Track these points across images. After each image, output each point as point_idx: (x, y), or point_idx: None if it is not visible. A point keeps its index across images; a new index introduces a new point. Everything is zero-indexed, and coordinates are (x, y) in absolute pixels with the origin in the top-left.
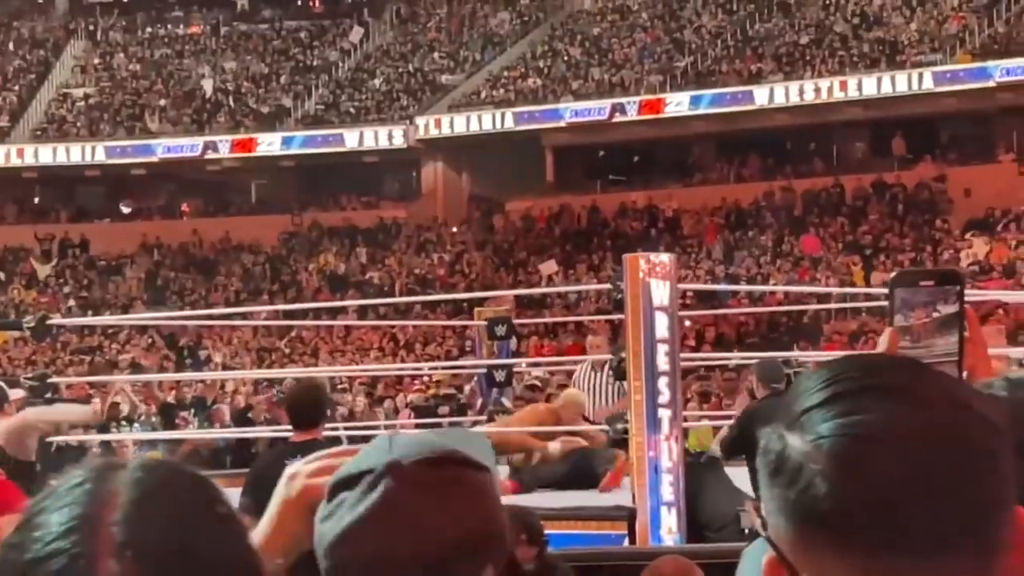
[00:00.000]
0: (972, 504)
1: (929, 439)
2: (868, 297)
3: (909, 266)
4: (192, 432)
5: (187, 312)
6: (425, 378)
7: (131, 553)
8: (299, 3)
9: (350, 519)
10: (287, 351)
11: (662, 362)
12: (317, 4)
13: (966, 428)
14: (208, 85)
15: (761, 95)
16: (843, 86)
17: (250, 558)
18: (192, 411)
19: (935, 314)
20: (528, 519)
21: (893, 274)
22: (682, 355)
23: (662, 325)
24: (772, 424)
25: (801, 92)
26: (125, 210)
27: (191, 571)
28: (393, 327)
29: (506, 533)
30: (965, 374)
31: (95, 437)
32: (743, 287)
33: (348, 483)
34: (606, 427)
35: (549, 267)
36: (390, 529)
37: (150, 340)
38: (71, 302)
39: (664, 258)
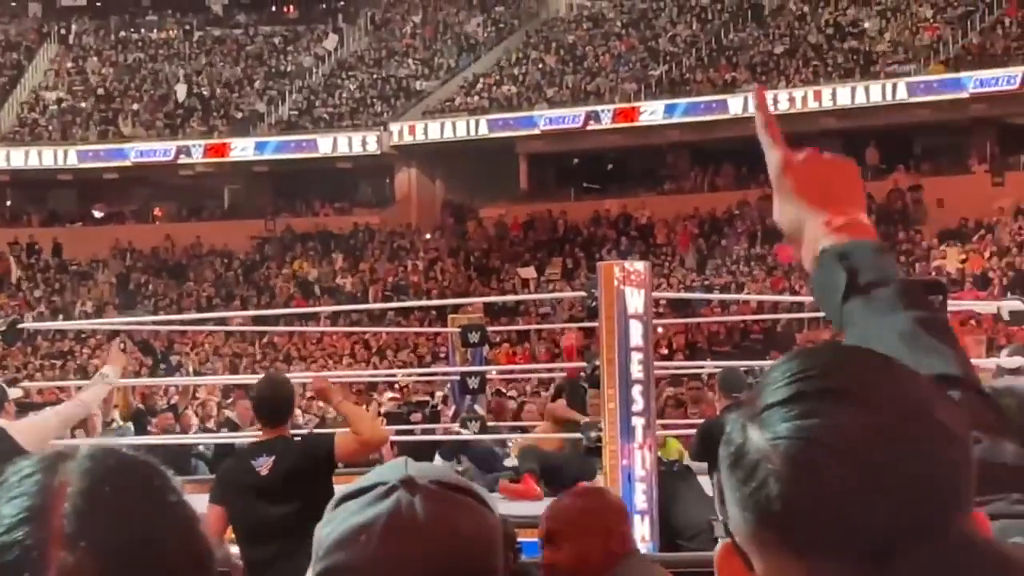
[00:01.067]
0: (927, 516)
1: (885, 447)
2: None
3: None
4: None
5: (160, 316)
6: (397, 385)
7: (84, 543)
8: (273, 8)
9: (355, 522)
10: (259, 357)
11: (636, 370)
12: (291, 9)
13: (923, 436)
14: (182, 90)
15: (735, 104)
16: (817, 96)
17: (202, 545)
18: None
19: None
20: (511, 531)
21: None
22: (656, 363)
23: (636, 333)
24: (738, 411)
25: (775, 102)
26: (97, 214)
27: (143, 559)
28: (366, 333)
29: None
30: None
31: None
32: (717, 296)
33: (356, 494)
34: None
35: (528, 272)
36: (396, 538)
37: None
38: (42, 307)
39: (639, 266)
